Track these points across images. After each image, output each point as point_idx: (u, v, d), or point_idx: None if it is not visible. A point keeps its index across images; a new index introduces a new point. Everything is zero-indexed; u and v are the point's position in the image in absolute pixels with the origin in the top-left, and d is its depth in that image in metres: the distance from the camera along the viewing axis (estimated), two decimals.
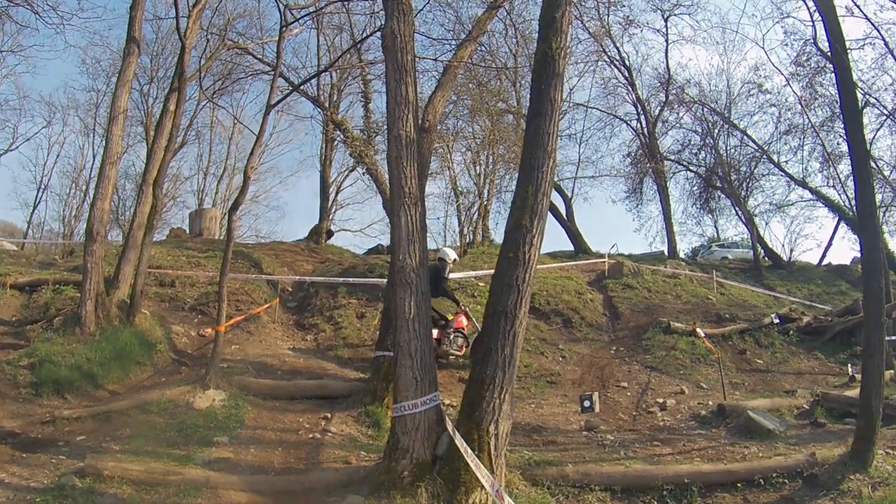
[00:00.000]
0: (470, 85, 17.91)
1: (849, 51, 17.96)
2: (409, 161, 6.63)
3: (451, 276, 12.39)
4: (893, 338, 14.24)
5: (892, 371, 13.01)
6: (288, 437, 7.98)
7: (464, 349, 11.31)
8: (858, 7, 17.69)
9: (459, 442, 5.74)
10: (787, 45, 22.33)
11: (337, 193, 26.06)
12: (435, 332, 10.13)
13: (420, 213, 6.65)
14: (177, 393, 8.56)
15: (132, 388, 9.38)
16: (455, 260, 12.23)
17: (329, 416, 8.77)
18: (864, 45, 18.97)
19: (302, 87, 17.72)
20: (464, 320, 11.52)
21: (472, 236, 19.12)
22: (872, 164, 22.88)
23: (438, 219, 21.98)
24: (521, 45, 17.22)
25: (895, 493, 6.63)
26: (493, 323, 6.37)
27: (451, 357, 11.36)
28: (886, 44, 18.22)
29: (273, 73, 11.78)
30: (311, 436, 8.05)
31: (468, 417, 6.19)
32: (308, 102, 21.39)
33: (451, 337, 11.30)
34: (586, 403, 9.38)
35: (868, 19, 17.41)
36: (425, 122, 10.68)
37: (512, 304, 6.34)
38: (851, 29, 27.28)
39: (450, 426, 6.03)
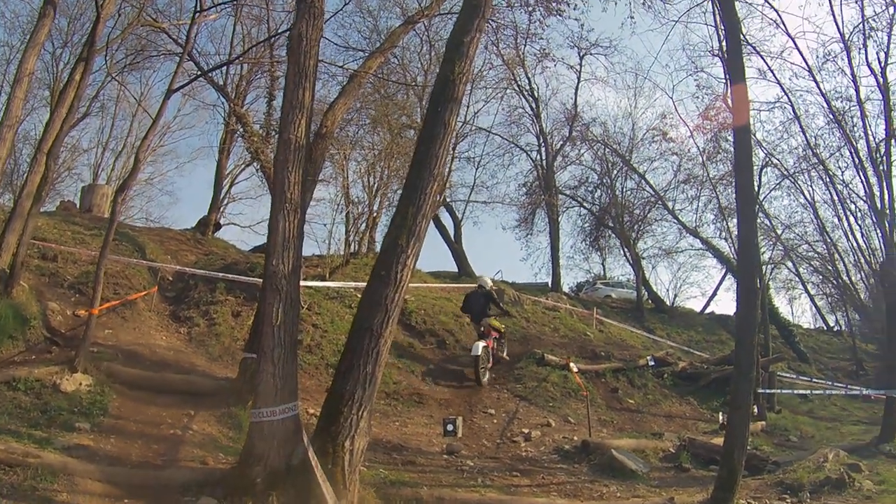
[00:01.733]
0: (377, 95, 19.00)
1: (759, 111, 20.84)
2: (294, 167, 7.15)
3: (331, 284, 15.23)
4: (768, 390, 16.53)
5: (763, 422, 15.12)
6: (149, 430, 8.39)
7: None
8: (772, 72, 20.49)
9: (312, 456, 6.33)
10: (697, 97, 25.40)
11: (231, 186, 26.97)
12: (488, 342, 14.51)
13: (299, 220, 7.18)
14: (45, 373, 8.97)
15: (2, 361, 9.54)
16: (491, 285, 16.14)
17: (192, 413, 9.24)
18: (773, 107, 22.10)
19: (210, 75, 18.59)
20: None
21: (357, 247, 20.00)
22: (766, 222, 26.55)
23: (325, 225, 22.73)
24: (433, 63, 18.26)
25: None
26: (357, 339, 7.06)
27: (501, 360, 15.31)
28: (794, 109, 21.45)
29: (179, 57, 12.18)
30: (172, 431, 8.50)
31: (325, 431, 6.82)
32: (214, 90, 22.04)
33: (502, 342, 15.64)
34: (449, 427, 10.24)
35: (780, 84, 20.95)
36: (323, 128, 11.50)
37: (378, 322, 7.05)
38: (765, 91, 30.80)
39: (305, 438, 6.57)
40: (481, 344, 13.93)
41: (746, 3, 18.03)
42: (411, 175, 7.81)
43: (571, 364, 14.25)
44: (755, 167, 22.62)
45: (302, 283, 14.11)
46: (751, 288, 9.45)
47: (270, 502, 6.17)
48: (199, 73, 16.72)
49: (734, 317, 27.72)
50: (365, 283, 14.81)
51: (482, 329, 14.68)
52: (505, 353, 15.60)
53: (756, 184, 21.95)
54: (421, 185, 7.52)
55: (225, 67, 19.83)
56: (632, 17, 15.22)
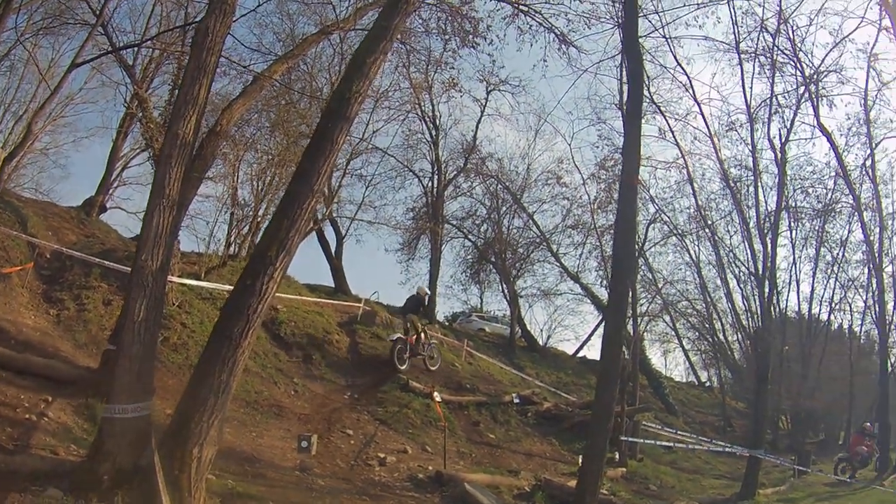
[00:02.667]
0: (281, 100, 19.45)
1: (655, 168, 22.97)
2: (178, 163, 7.56)
3: (205, 284, 16.31)
4: (631, 438, 18.00)
5: (624, 469, 16.49)
6: (4, 411, 8.51)
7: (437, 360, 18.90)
8: (672, 133, 22.89)
9: (156, 459, 6.70)
10: (597, 146, 27.39)
11: (123, 170, 26.75)
12: (409, 338, 17.75)
13: (174, 218, 7.59)
14: None
15: None
16: (427, 293, 19.79)
17: (50, 399, 9.35)
18: (670, 167, 24.24)
19: (121, 53, 18.44)
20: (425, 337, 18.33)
21: (237, 249, 20.31)
22: (649, 275, 28.93)
23: (207, 223, 22.85)
24: (340, 77, 18.90)
25: None
26: (215, 346, 7.40)
27: (428, 365, 18.38)
28: (688, 171, 23.97)
29: (91, 29, 12.17)
30: (27, 416, 8.64)
31: (176, 435, 7.12)
32: (121, 69, 21.61)
33: (431, 345, 18.72)
34: (303, 444, 10.85)
35: (678, 146, 23.32)
36: (218, 125, 11.88)
37: (238, 331, 7.39)
38: (666, 150, 33.21)
39: (154, 441, 6.94)
40: (399, 333, 17.49)
41: (659, 64, 19.87)
42: (291, 187, 8.25)
43: (435, 393, 15.11)
44: (643, 222, 25.03)
45: (176, 280, 14.71)
46: (615, 342, 10.63)
47: (115, 501, 6.50)
48: (109, 49, 16.93)
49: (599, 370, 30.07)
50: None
51: (407, 324, 18.16)
52: (432, 362, 18.54)
53: (641, 237, 24.26)
54: (299, 200, 7.93)
55: (136, 49, 19.73)
56: (545, 61, 16.29)
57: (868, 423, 24.03)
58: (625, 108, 14.90)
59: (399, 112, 27.65)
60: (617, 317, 11.02)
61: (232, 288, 15.39)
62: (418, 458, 12.75)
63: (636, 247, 23.43)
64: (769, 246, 19.48)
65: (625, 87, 17.75)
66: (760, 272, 19.69)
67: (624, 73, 17.62)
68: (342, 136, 8.45)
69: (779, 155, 21.36)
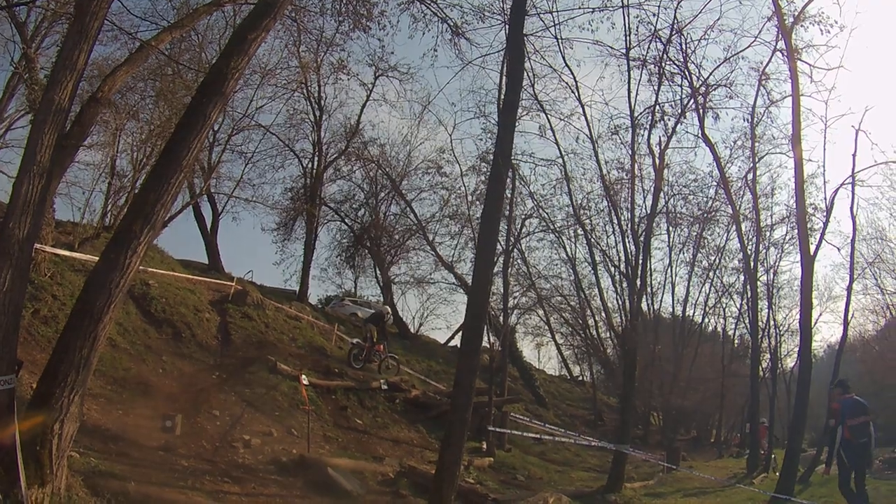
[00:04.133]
0: (167, 70, 19.58)
1: (536, 165, 24.35)
2: (51, 129, 7.67)
3: (79, 255, 16.02)
4: (499, 429, 19.15)
5: (491, 459, 17.58)
6: None
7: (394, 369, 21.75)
8: (553, 132, 23.99)
9: (16, 435, 6.88)
10: (481, 139, 28.46)
11: (7, 132, 25.75)
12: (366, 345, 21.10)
13: (43, 186, 7.68)
14: None
15: None
16: (389, 313, 24.40)
17: None
18: (552, 164, 25.89)
19: (12, 8, 17.70)
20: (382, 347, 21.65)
21: (112, 220, 20.22)
22: (524, 269, 30.57)
23: (84, 193, 22.54)
24: None
25: None
26: (77, 320, 7.71)
27: (381, 370, 20.99)
28: (565, 170, 25.28)
29: None
30: None
31: (36, 411, 7.38)
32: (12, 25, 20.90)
33: (388, 357, 21.74)
34: (167, 423, 11.31)
35: (558, 145, 24.90)
36: (100, 92, 11.83)
37: (100, 305, 7.72)
38: (547, 148, 34.88)
39: (15, 416, 7.10)
40: (358, 339, 21.38)
41: (547, 64, 20.90)
42: (160, 161, 8.57)
43: (303, 377, 15.63)
44: (521, 215, 26.46)
45: (49, 250, 14.62)
46: (476, 332, 11.41)
47: None
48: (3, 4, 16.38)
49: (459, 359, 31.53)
50: None
51: (367, 333, 21.39)
52: (388, 372, 21.08)
53: (517, 230, 25.53)
54: (167, 175, 8.22)
55: (29, 6, 19.05)
56: (435, 51, 17.17)
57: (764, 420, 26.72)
58: (501, 101, 15.89)
59: (285, 90, 28.35)
60: (478, 303, 11.63)
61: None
62: (283, 442, 13.31)
63: (511, 238, 25.21)
64: (641, 247, 21.01)
65: (501, 82, 18.49)
66: (631, 272, 21.27)
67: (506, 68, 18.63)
68: (216, 112, 8.79)
69: (657, 161, 23.00)
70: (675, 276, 38.20)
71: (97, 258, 15.86)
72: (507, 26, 14.21)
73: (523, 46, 13.16)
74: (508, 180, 22.82)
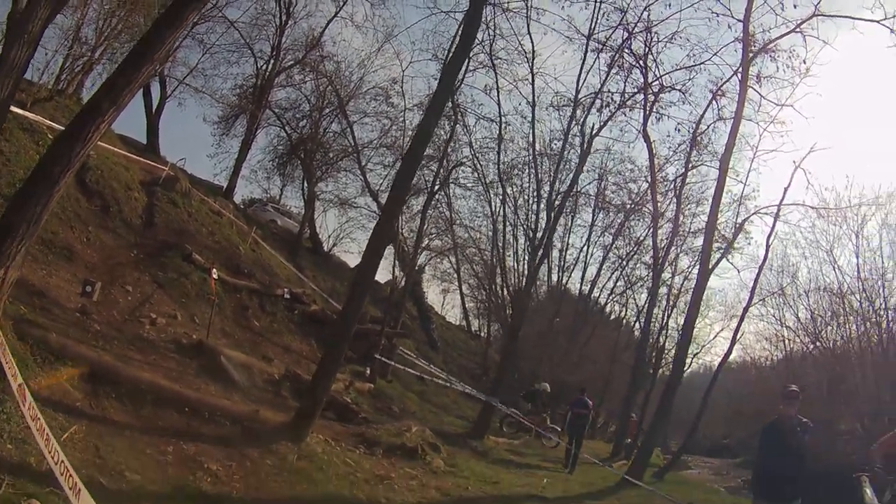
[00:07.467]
0: None
1: (479, 119, 26.72)
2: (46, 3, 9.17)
3: (30, 115, 16.77)
4: (384, 359, 21.25)
5: (372, 385, 19.64)
6: None
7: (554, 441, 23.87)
8: (498, 91, 26.54)
9: None
10: (434, 78, 29.83)
11: None
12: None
13: (28, 54, 9.17)
14: None
15: None
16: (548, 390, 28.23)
17: None
18: (490, 121, 28.32)
19: None
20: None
21: (65, 85, 21.17)
22: (446, 213, 32.99)
23: (46, 53, 23.25)
24: None
25: (312, 468, 10.87)
26: (37, 180, 8.93)
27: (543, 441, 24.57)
28: (500, 131, 27.83)
29: None
30: None
31: None
32: None
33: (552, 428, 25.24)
34: (87, 288, 12.91)
35: (499, 105, 27.28)
36: None
37: (59, 170, 8.87)
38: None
39: None
40: (512, 409, 25.26)
41: (512, 32, 23.21)
42: (134, 50, 9.74)
43: (214, 270, 17.26)
44: (455, 161, 28.65)
45: None
46: (376, 250, 13.50)
47: None
48: None
49: (384, 284, 33.55)
50: (61, 127, 16.77)
51: (528, 405, 28.06)
52: (549, 442, 24.33)
53: (445, 172, 28.33)
54: (139, 63, 9.33)
55: None
56: None
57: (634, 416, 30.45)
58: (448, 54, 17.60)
59: None
60: (384, 225, 13.72)
61: (52, 125, 16.76)
62: (186, 326, 15.00)
63: (440, 178, 27.94)
64: (551, 220, 23.44)
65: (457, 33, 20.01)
66: (538, 241, 23.70)
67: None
68: (193, 15, 10.06)
69: (585, 145, 25.46)
70: (590, 256, 41.10)
71: (45, 121, 17.25)
72: None
73: (482, 14, 14.80)
74: (449, 124, 25.09)
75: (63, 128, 15.08)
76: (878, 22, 20.33)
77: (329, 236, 37.23)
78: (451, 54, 17.30)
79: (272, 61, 32.35)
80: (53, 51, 20.85)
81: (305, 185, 33.78)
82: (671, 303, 36.60)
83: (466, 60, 15.44)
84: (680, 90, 25.84)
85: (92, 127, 8.98)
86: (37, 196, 8.75)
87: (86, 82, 22.92)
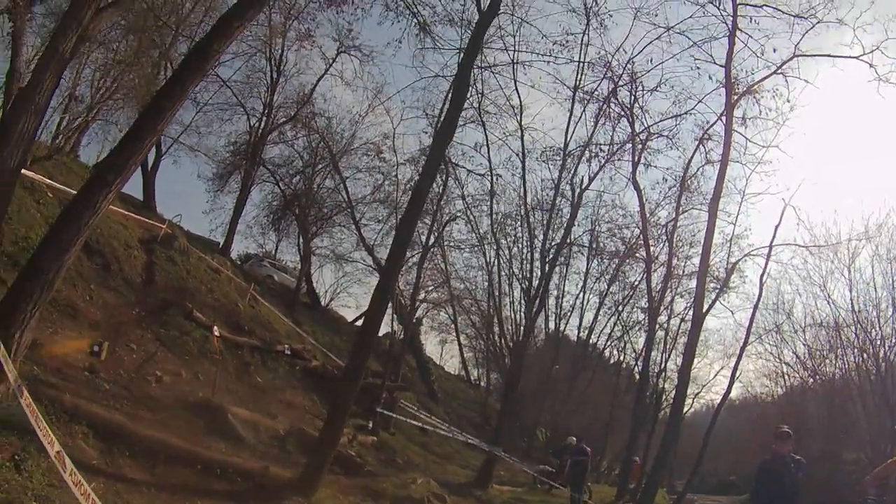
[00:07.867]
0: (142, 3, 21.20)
1: (469, 173, 27.40)
2: (52, 74, 9.75)
3: (30, 174, 16.54)
4: (387, 412, 21.43)
5: (375, 438, 19.70)
6: None
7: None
8: (488, 148, 27.53)
9: None
10: (425, 132, 30.37)
11: None
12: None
13: (36, 123, 9.69)
14: None
15: None
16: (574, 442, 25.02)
17: None
18: (483, 177, 29.30)
19: None
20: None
21: (62, 142, 21.66)
22: (442, 265, 33.50)
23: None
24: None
25: None
26: (46, 248, 9.36)
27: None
28: (492, 187, 29.38)
29: None
30: None
31: (1, 321, 8.92)
32: None
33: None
34: (96, 348, 13.18)
35: (489, 161, 28.64)
36: (86, 32, 13.44)
37: (69, 238, 9.34)
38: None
39: None
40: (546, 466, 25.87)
41: (498, 87, 23.66)
42: (138, 123, 10.23)
43: (215, 328, 17.61)
44: (448, 214, 29.16)
45: None
46: (381, 303, 13.68)
47: None
48: None
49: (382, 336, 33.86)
50: (61, 185, 17.07)
51: (556, 461, 26.06)
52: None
53: (439, 226, 28.58)
54: (142, 137, 9.85)
55: None
56: (400, 42, 19.56)
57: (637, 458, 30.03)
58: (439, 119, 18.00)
59: (250, 49, 30.33)
60: (388, 278, 13.88)
61: (52, 184, 17.06)
62: (191, 384, 15.20)
63: (434, 233, 28.15)
64: (546, 272, 23.78)
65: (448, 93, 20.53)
66: (533, 292, 24.01)
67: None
68: (193, 86, 10.53)
69: (574, 198, 25.98)
70: (587, 302, 41.49)
71: (46, 181, 17.54)
72: (461, 54, 16.26)
73: (470, 77, 15.26)
74: (441, 178, 25.51)
75: (62, 186, 15.74)
76: (856, 58, 20.98)
77: (326, 291, 37.65)
78: (442, 116, 17.77)
79: (264, 118, 33.03)
80: (51, 109, 21.26)
81: (301, 240, 34.17)
82: (669, 346, 36.94)
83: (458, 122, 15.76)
84: (667, 136, 26.50)
85: (100, 197, 9.45)
86: (49, 263, 9.12)
87: (82, 140, 23.34)
